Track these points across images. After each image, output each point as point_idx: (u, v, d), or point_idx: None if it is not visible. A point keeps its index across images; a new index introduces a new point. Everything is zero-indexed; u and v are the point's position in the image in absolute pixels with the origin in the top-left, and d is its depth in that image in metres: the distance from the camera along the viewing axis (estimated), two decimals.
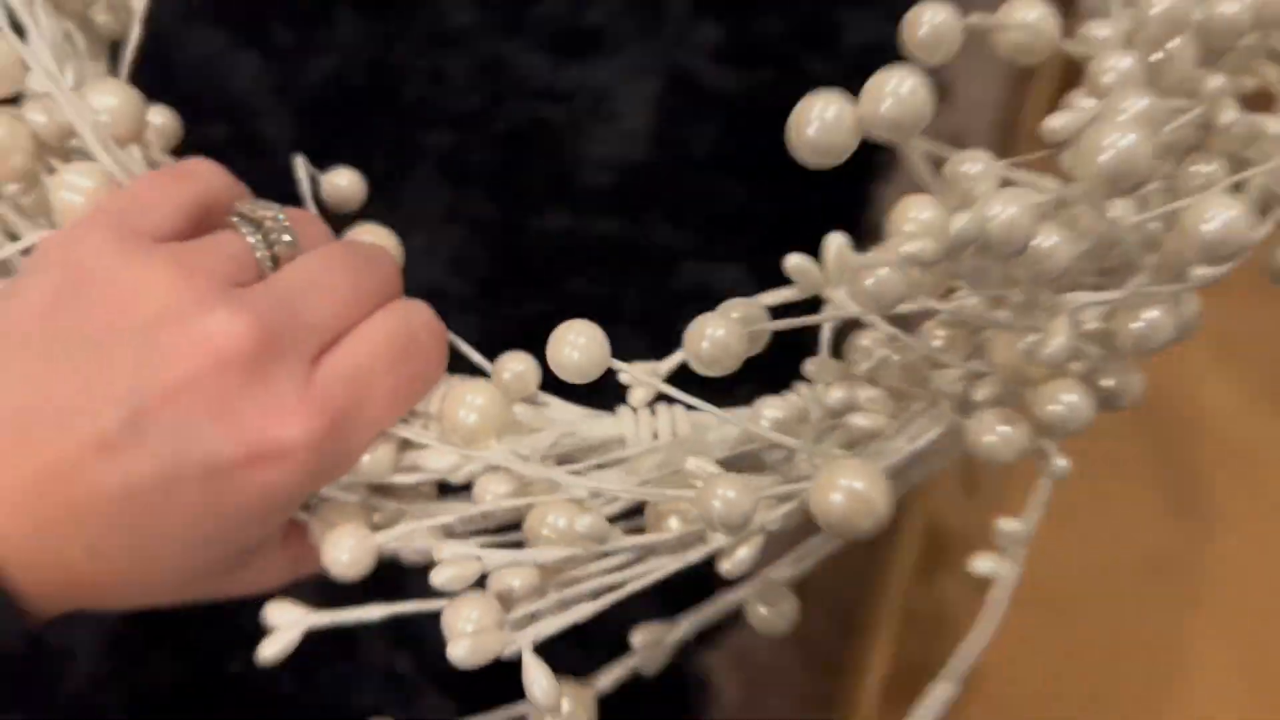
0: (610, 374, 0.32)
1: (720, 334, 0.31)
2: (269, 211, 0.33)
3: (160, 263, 0.30)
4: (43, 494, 0.28)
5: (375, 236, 0.38)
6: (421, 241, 0.44)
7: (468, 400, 0.33)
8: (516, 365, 0.34)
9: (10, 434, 0.28)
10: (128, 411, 0.28)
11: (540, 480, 0.33)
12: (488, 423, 0.33)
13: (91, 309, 0.29)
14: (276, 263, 0.32)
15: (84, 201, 0.32)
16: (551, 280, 0.52)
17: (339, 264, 0.32)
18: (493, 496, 0.33)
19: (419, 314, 0.34)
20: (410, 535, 0.33)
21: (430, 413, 0.34)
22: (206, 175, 0.34)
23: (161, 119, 0.38)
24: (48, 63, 0.34)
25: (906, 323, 0.31)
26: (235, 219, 0.33)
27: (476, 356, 0.35)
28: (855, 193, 0.52)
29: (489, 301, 0.52)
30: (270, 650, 0.31)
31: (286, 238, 0.32)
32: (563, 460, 0.34)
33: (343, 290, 0.32)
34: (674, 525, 0.32)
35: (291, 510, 0.32)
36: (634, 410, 0.35)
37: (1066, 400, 0.30)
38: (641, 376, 0.32)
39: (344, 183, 0.40)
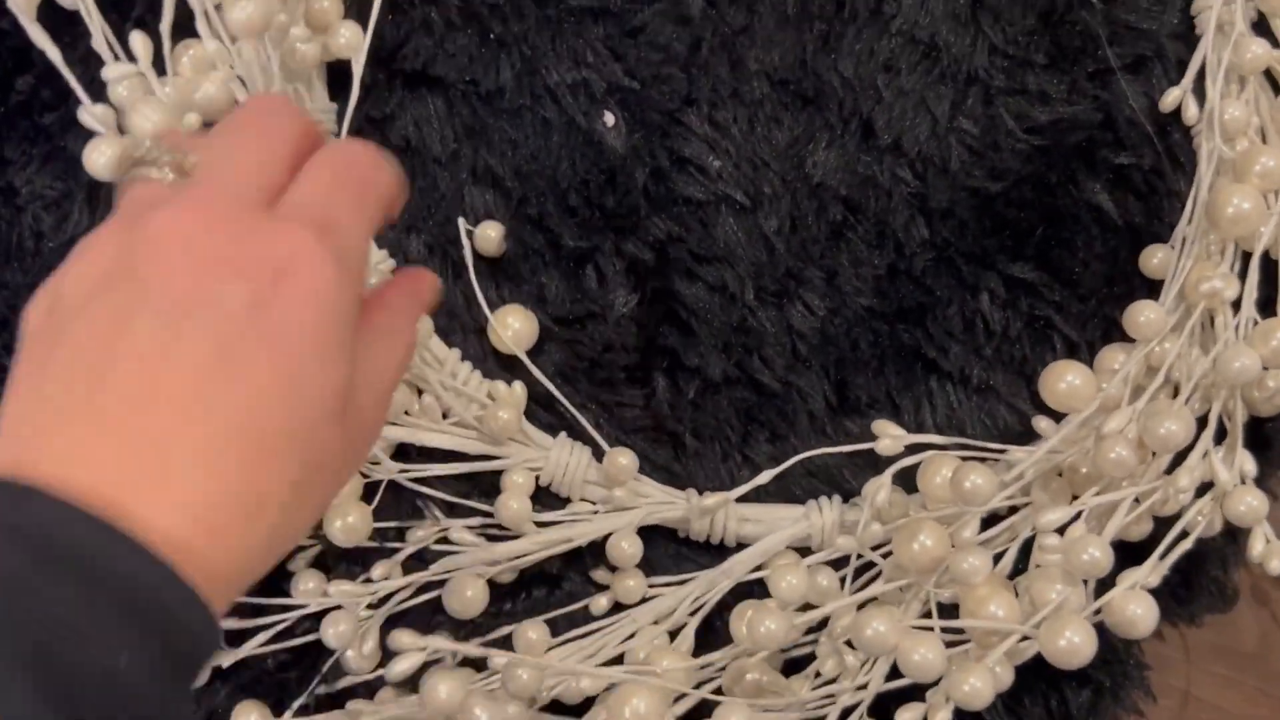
0: None
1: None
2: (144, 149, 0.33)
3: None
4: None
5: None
6: None
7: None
8: None
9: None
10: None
11: None
12: None
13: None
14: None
15: None
16: None
17: (237, 129, 0.34)
18: None
19: (349, 148, 0.35)
20: None
21: None
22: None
23: None
24: None
25: None
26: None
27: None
28: None
29: None
30: None
31: (167, 157, 0.33)
32: None
33: (254, 140, 0.33)
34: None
35: (349, 312, 0.32)
36: None
37: None
38: None
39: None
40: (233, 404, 0.29)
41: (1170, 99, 0.51)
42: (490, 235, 0.50)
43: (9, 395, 0.29)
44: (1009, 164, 0.51)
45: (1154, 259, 0.50)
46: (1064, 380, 0.46)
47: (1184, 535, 0.46)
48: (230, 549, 0.29)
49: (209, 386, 0.29)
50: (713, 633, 0.49)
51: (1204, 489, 0.47)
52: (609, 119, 0.51)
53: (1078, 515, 0.45)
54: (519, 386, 0.50)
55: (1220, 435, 0.47)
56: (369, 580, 0.47)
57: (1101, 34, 0.51)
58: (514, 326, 0.50)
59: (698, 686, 0.46)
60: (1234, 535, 0.51)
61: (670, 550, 0.50)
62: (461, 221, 0.50)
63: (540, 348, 0.50)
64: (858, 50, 0.51)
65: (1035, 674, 0.49)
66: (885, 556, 0.47)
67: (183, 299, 0.29)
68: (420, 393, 0.48)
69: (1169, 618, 0.51)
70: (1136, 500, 0.46)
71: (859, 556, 0.48)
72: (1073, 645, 0.42)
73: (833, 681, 0.47)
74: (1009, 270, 0.51)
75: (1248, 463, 0.47)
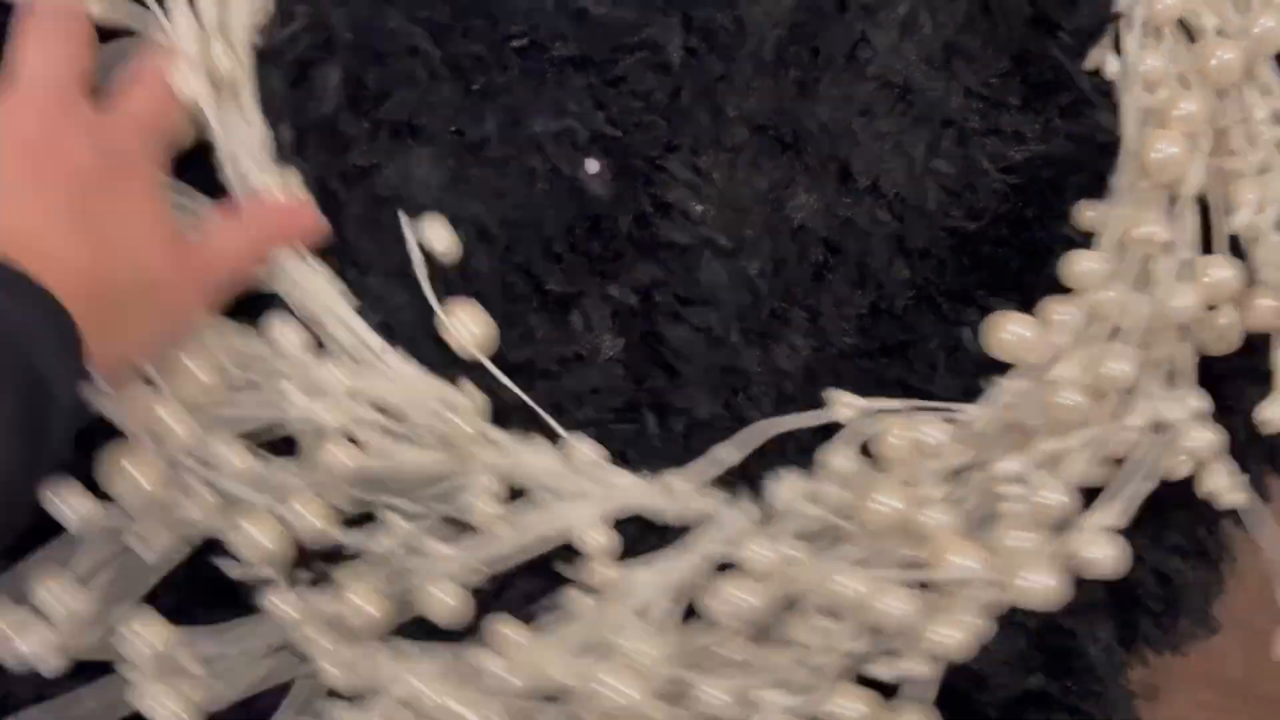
0: None
1: None
2: None
3: None
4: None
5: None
6: None
7: None
8: None
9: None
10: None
11: None
12: None
13: None
14: None
15: None
16: None
17: (41, 32, 0.43)
18: None
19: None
20: None
21: None
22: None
23: None
24: None
25: None
26: None
27: None
28: None
29: None
30: None
31: None
32: None
33: (62, 39, 0.43)
34: None
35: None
36: None
37: None
38: None
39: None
40: (86, 225, 0.40)
41: (1092, 60, 0.52)
42: (439, 235, 0.50)
43: None
44: (985, 203, 0.52)
45: (1087, 213, 0.52)
46: (1007, 330, 0.49)
47: (1143, 471, 0.47)
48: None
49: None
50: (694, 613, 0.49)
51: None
52: (592, 167, 0.51)
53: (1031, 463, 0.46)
54: (470, 387, 0.49)
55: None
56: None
57: (1072, 70, 0.52)
58: (473, 330, 0.49)
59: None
60: (1216, 563, 0.52)
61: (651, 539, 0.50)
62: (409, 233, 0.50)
63: (528, 389, 0.51)
64: (834, 95, 0.52)
65: (1021, 705, 0.50)
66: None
67: (41, 143, 0.41)
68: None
69: (1154, 646, 0.52)
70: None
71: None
72: (1037, 584, 0.43)
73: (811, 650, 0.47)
74: (989, 305, 0.52)
75: (1198, 400, 0.48)
